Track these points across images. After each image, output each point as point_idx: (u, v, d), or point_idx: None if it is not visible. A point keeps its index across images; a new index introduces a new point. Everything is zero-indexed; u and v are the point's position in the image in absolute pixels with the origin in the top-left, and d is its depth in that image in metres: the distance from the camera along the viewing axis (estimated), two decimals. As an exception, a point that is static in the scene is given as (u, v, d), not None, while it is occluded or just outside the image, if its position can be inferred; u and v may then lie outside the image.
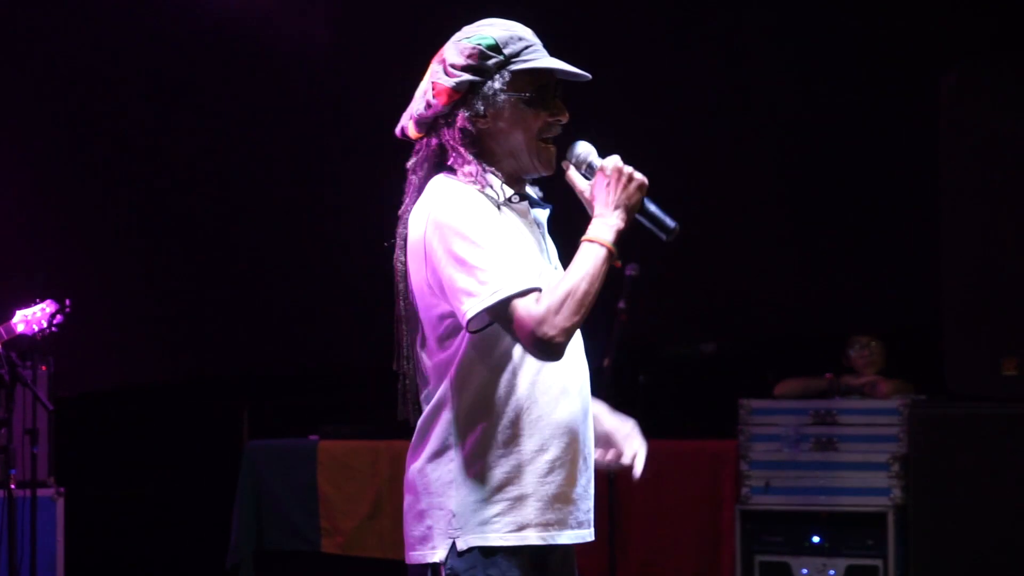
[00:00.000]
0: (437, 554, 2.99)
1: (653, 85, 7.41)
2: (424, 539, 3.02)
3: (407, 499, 3.07)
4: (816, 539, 6.58)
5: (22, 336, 6.59)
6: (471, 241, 2.91)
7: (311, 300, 8.21)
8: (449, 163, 3.05)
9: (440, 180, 3.03)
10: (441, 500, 2.99)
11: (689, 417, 7.57)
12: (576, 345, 3.07)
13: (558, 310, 2.86)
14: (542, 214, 3.13)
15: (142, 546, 8.26)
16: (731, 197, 7.75)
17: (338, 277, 7.94)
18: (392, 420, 3.20)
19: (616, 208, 2.96)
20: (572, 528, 3.04)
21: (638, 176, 2.98)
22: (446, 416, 3.00)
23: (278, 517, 7.41)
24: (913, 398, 6.60)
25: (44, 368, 7.04)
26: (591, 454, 3.11)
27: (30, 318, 6.60)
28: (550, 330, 2.86)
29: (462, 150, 3.03)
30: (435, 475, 3.01)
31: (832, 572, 6.53)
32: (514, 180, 3.08)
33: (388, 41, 7.52)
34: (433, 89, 3.06)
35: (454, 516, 2.97)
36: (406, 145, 3.16)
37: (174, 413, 8.60)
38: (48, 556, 7.01)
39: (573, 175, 3.08)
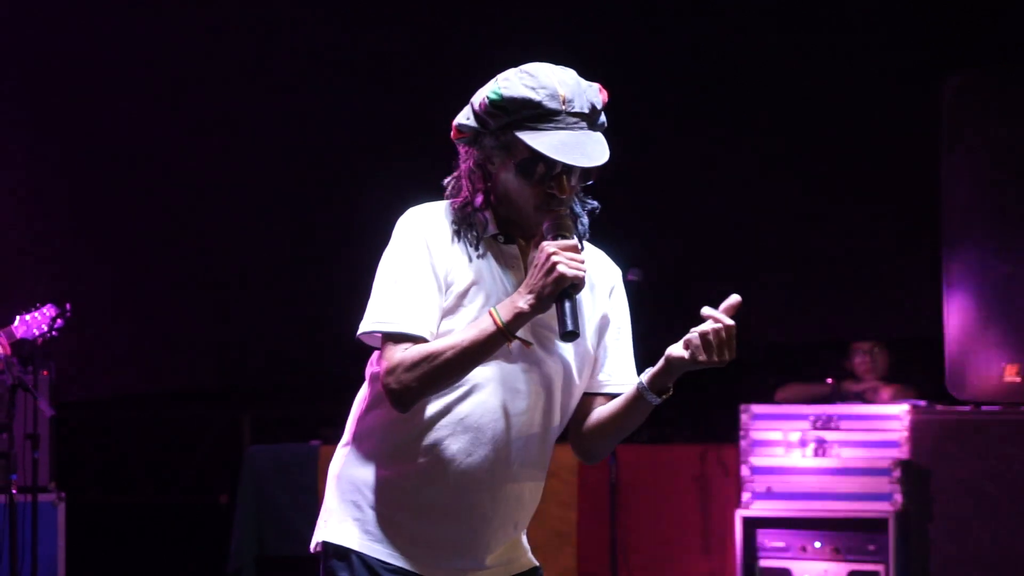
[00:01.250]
0: (313, 542, 3.07)
1: (653, 88, 7.42)
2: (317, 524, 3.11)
3: None
4: (818, 544, 6.57)
5: (23, 340, 6.60)
6: (385, 270, 2.95)
7: (314, 305, 8.21)
8: (450, 188, 3.03)
9: (408, 212, 3.01)
10: (327, 488, 3.10)
11: (690, 422, 7.56)
12: (520, 396, 2.98)
13: (410, 367, 2.88)
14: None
15: (143, 551, 8.26)
16: (735, 203, 7.75)
17: (341, 283, 7.93)
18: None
19: (530, 292, 2.86)
20: (446, 573, 3.00)
21: (562, 269, 2.83)
22: (354, 415, 3.09)
23: (279, 522, 7.40)
24: (914, 404, 6.60)
25: (46, 373, 7.03)
26: (507, 507, 3.02)
27: (30, 322, 6.60)
28: (393, 382, 2.89)
29: (464, 182, 2.99)
30: (331, 463, 3.13)
31: (833, 577, 6.54)
32: (512, 224, 3.00)
33: (388, 49, 7.53)
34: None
35: (325, 508, 3.07)
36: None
37: (176, 418, 8.59)
38: (49, 561, 7.00)
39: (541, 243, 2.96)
